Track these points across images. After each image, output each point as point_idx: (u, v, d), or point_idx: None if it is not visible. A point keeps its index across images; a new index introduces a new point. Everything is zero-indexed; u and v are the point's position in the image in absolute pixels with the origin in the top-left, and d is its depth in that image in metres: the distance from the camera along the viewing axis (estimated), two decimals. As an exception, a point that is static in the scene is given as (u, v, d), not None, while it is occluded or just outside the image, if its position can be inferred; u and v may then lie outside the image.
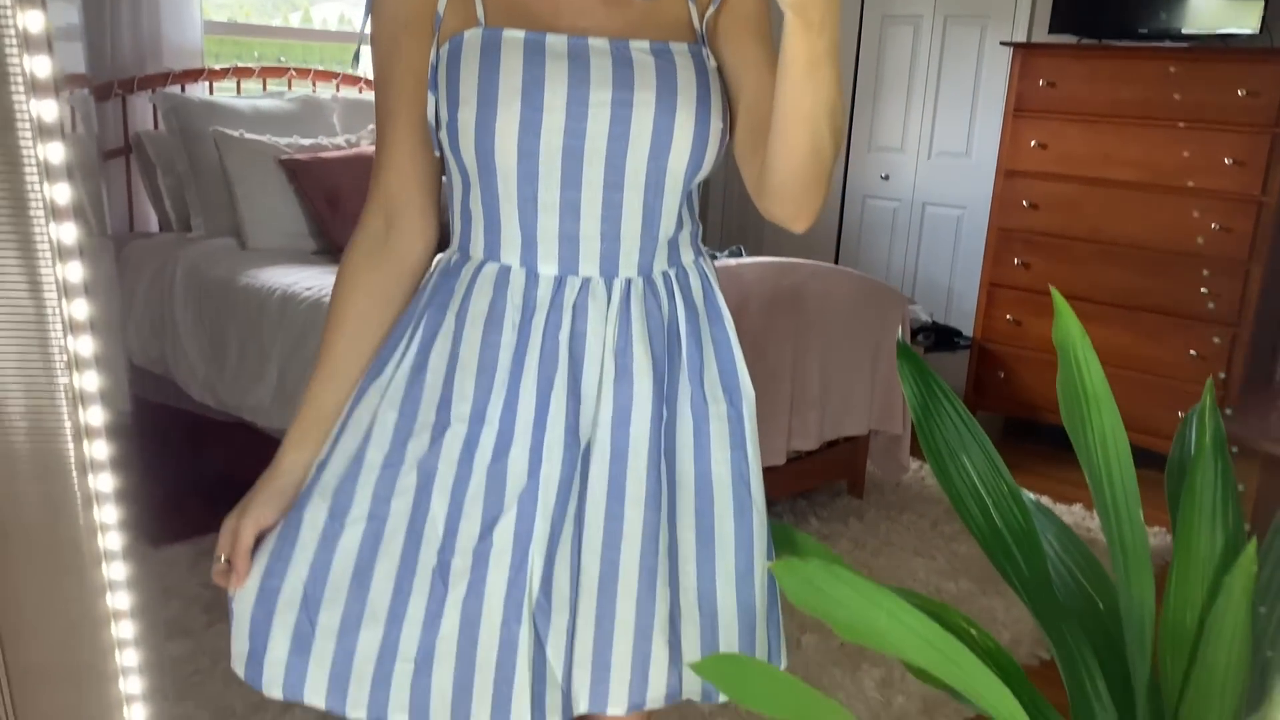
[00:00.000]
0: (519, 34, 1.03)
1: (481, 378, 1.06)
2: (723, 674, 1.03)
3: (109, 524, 0.88)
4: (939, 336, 4.26)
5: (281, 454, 1.14)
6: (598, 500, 1.07)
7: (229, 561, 1.09)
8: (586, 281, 1.08)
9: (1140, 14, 3.66)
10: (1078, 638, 1.13)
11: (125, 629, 0.91)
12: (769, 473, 3.01)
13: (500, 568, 1.03)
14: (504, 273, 1.08)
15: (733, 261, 3.07)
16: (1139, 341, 3.72)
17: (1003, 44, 3.98)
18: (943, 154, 4.56)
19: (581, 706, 1.07)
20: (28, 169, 0.72)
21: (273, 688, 1.07)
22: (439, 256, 1.16)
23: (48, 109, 0.74)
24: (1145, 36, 3.66)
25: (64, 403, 0.79)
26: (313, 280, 2.84)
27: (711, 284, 1.16)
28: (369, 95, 3.98)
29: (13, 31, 0.65)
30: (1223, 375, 3.50)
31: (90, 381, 0.81)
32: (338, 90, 3.92)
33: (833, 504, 3.45)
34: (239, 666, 1.09)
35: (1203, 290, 3.54)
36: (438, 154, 1.11)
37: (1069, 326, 0.96)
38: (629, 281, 1.09)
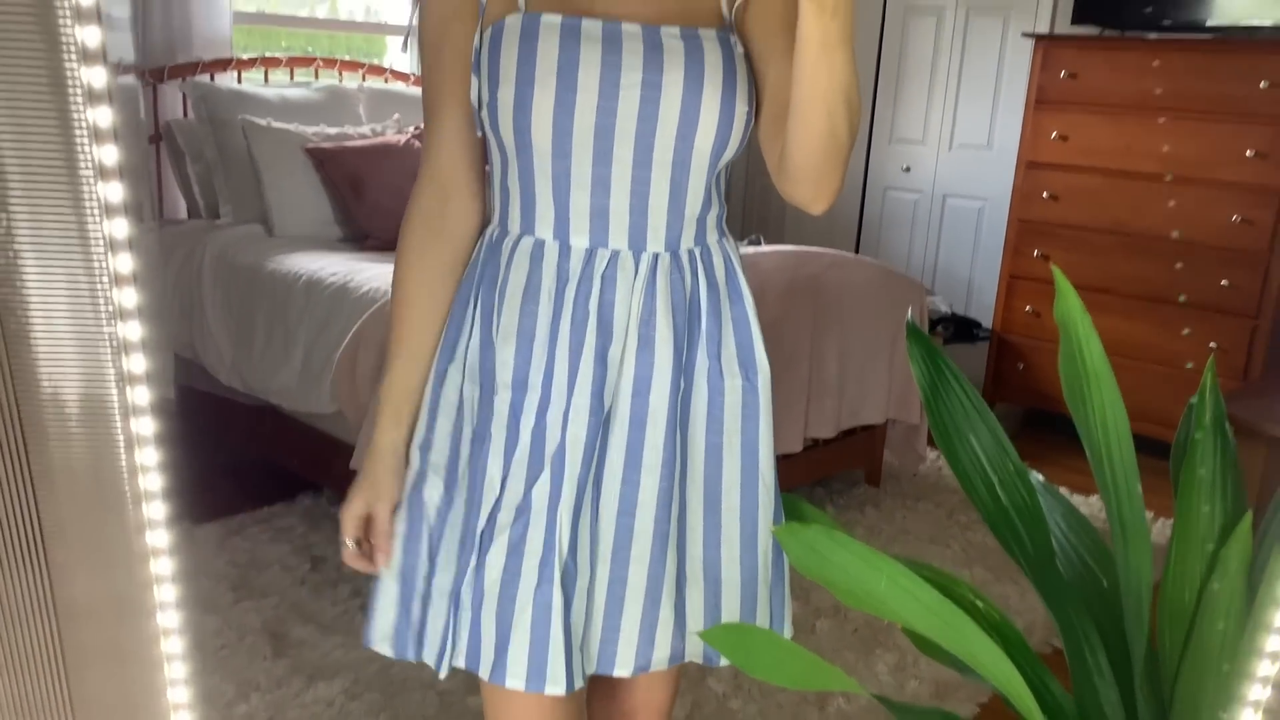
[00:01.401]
0: (556, 18, 1.08)
1: (521, 345, 1.12)
2: (729, 643, 1.07)
3: (153, 493, 0.91)
4: (958, 328, 4.27)
5: (380, 435, 1.20)
6: (615, 466, 1.12)
7: (358, 544, 1.18)
8: (615, 254, 1.12)
9: (1165, 6, 3.66)
10: (1081, 614, 1.15)
11: (167, 592, 0.95)
12: (786, 460, 3.05)
13: (538, 526, 1.09)
14: (539, 246, 1.13)
15: (751, 250, 3.09)
16: (1159, 334, 3.71)
17: (1025, 35, 3.98)
18: (964, 146, 4.56)
19: (590, 667, 1.12)
20: (82, 165, 0.75)
21: (385, 646, 1.19)
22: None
23: (103, 115, 0.76)
24: (1169, 29, 3.66)
25: (114, 385, 0.82)
26: (337, 266, 2.89)
27: (734, 264, 1.20)
28: (395, 85, 4.03)
29: (71, 44, 0.67)
30: (1235, 362, 3.49)
31: (138, 364, 0.85)
32: (363, 80, 3.96)
33: (850, 492, 3.48)
34: (384, 645, 1.18)
35: (1223, 283, 3.54)
36: (480, 134, 1.15)
37: (1070, 305, 0.99)
38: (656, 256, 1.13)
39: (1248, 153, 3.41)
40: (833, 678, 1.03)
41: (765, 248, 3.16)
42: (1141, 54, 3.63)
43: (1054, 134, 3.82)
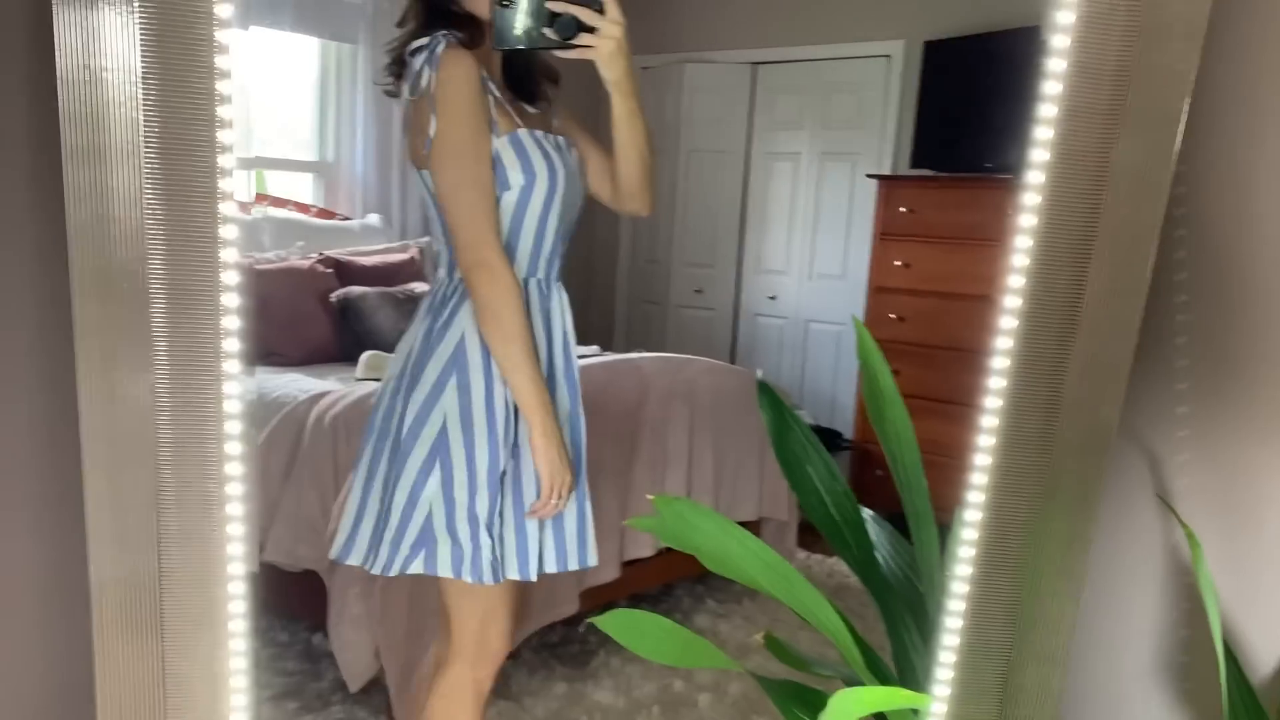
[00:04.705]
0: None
1: None
2: (619, 626, 1.32)
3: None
4: (822, 438, 4.62)
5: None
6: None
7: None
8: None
9: (985, 151, 4.22)
10: (898, 602, 1.45)
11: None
12: (669, 554, 3.31)
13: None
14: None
15: (634, 355, 3.42)
16: (996, 436, 4.14)
17: (868, 176, 4.51)
18: (821, 276, 5.04)
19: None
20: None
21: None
22: None
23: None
24: (989, 170, 4.21)
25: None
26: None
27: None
28: (296, 215, 4.30)
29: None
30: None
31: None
32: (266, 211, 4.23)
33: (729, 588, 3.73)
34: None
35: (1048, 390, 3.99)
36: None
37: (868, 346, 1.31)
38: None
39: (1060, 276, 3.92)
40: (708, 656, 1.30)
41: (646, 354, 3.49)
42: (967, 191, 4.16)
43: (897, 262, 4.31)
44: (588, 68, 1.56)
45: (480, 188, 1.58)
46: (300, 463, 2.66)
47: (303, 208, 4.37)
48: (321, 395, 2.76)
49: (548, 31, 1.46)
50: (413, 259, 4.29)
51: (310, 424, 2.68)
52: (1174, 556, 1.31)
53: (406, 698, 2.47)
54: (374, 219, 4.54)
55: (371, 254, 4.14)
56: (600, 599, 3.13)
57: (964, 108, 4.33)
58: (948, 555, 1.19)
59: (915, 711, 1.22)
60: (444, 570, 1.63)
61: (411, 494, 1.61)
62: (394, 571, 1.63)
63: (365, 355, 3.29)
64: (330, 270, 3.85)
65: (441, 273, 1.71)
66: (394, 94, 1.71)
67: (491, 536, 1.61)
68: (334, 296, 3.73)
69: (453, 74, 1.55)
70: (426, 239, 4.58)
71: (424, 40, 1.60)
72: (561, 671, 2.92)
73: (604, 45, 1.50)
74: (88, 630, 1.00)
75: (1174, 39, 1.05)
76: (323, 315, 3.69)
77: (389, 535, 1.63)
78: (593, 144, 1.76)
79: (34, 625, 1.31)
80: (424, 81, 1.55)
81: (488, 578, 1.61)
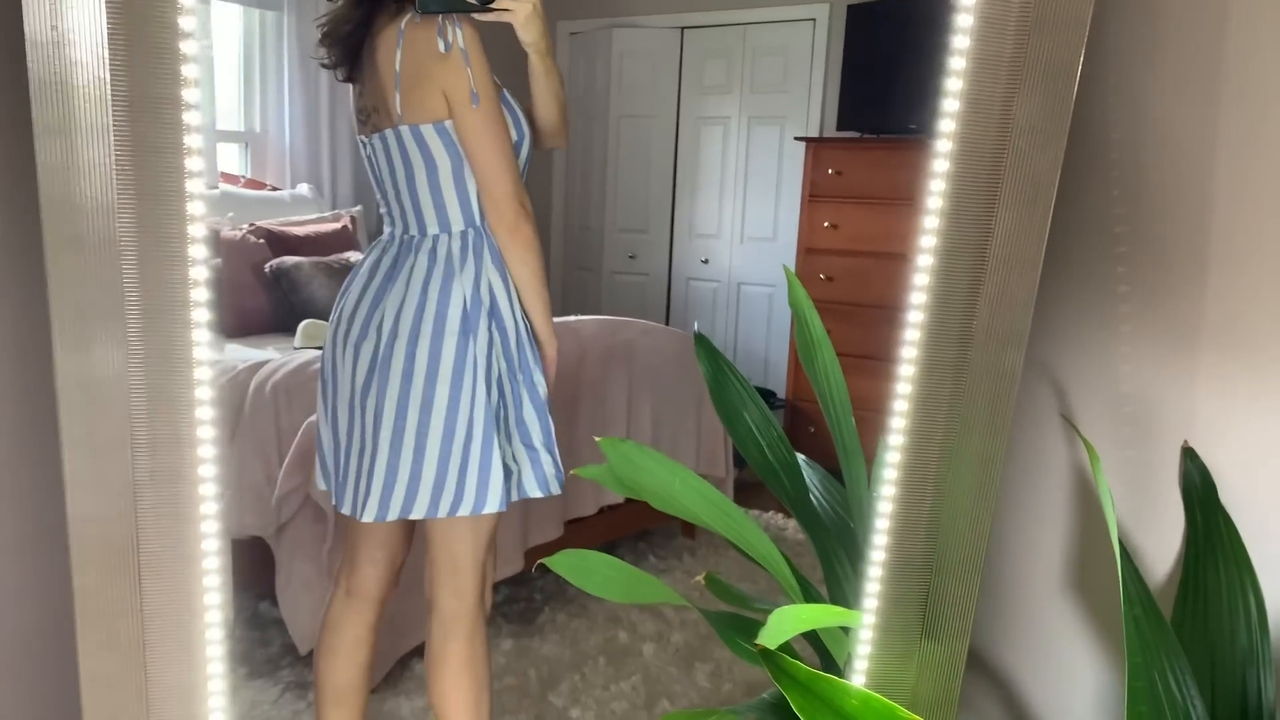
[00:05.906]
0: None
1: None
2: (568, 565, 1.38)
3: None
4: (757, 397, 4.74)
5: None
6: None
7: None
8: None
9: (909, 113, 4.32)
10: (831, 537, 1.53)
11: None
12: (611, 511, 3.38)
13: None
14: None
15: (572, 318, 3.47)
16: (923, 390, 4.28)
17: (796, 139, 4.59)
18: (752, 239, 5.13)
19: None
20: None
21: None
22: None
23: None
24: (914, 131, 4.32)
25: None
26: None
27: None
28: (224, 186, 4.26)
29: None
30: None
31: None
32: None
33: (669, 544, 3.83)
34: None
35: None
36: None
37: (798, 293, 1.38)
38: None
39: (982, 234, 4.06)
40: (654, 591, 1.36)
41: (585, 317, 3.54)
42: (894, 153, 4.27)
43: (826, 224, 4.41)
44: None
45: (510, 142, 1.70)
46: (242, 431, 2.68)
47: (231, 178, 4.33)
48: (261, 364, 2.77)
49: None
50: (345, 228, 4.28)
51: (251, 392, 2.69)
52: (1077, 473, 1.42)
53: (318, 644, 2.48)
54: (304, 189, 4.52)
55: (304, 224, 4.12)
56: (543, 557, 3.20)
57: (888, 70, 4.43)
58: (874, 481, 1.27)
59: (845, 631, 1.30)
60: (533, 491, 1.72)
61: (492, 437, 1.68)
62: (504, 507, 1.70)
63: (304, 324, 3.30)
64: (262, 241, 3.83)
65: (432, 230, 1.74)
66: (328, 66, 1.78)
67: (551, 454, 1.73)
68: (268, 267, 3.72)
69: (475, 34, 1.63)
70: (359, 208, 4.57)
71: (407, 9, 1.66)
72: (509, 629, 2.98)
73: (521, 9, 1.60)
74: (68, 566, 1.05)
75: (1070, -6, 1.14)
76: (257, 286, 3.68)
77: (471, 479, 1.67)
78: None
79: (20, 562, 1.37)
80: (450, 37, 1.62)
81: (559, 488, 1.74)
